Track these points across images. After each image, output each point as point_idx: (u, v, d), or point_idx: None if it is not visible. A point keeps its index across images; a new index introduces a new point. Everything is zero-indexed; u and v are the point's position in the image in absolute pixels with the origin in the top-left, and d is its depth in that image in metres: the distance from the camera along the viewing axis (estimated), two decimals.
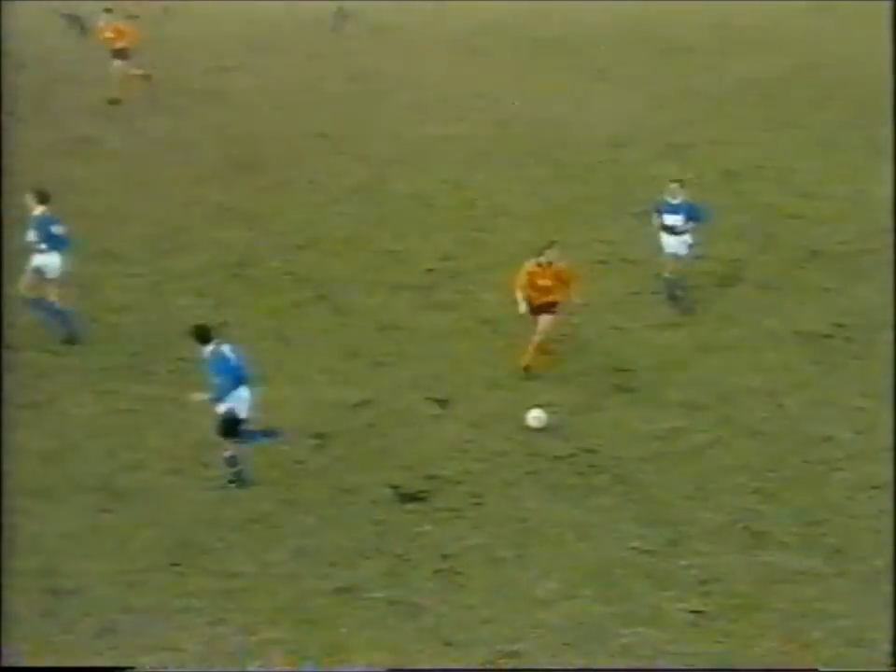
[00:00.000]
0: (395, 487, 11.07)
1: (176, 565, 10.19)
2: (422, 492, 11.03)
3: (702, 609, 9.51)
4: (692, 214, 14.02)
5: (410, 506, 10.85)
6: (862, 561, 10.00)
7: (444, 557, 10.23)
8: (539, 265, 12.83)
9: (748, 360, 13.17)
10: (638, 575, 9.94)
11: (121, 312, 14.60)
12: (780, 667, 8.69)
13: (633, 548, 10.26)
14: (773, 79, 22.12)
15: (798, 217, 16.73)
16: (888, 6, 25.28)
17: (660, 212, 14.17)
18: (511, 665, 8.99)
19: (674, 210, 14.02)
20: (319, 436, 11.97)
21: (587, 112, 20.79)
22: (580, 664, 8.98)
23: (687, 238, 14.08)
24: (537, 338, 12.83)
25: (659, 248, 14.32)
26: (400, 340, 13.83)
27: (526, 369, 12.78)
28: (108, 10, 21.73)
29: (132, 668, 8.71)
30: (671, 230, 14.08)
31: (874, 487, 10.97)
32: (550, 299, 12.78)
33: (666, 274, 14.29)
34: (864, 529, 10.41)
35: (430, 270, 15.52)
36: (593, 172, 18.36)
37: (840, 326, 13.76)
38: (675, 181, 14.27)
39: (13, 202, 17.36)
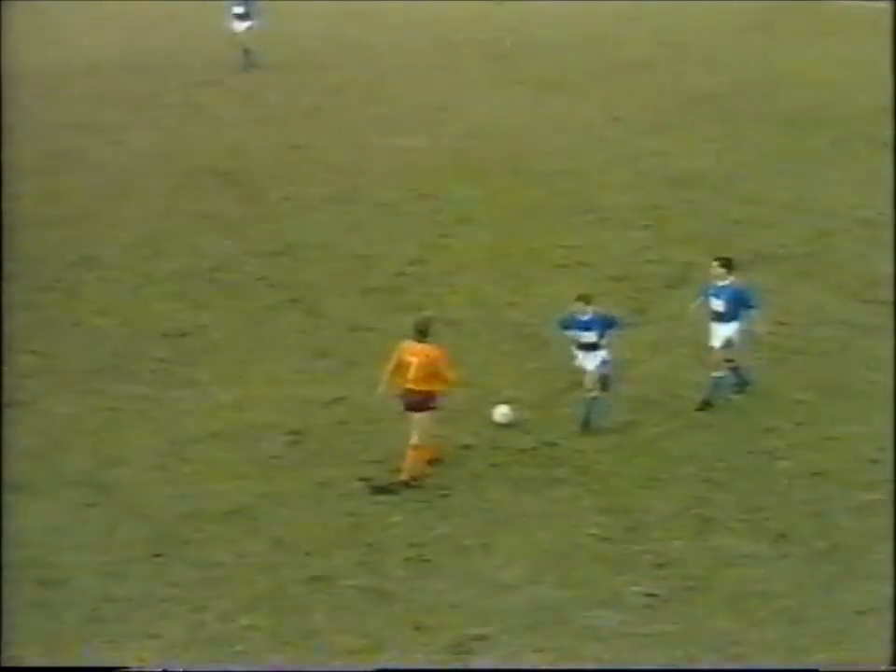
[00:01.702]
0: (366, 480, 11.00)
1: (159, 556, 10.06)
2: (392, 484, 10.96)
3: (656, 591, 9.53)
4: (737, 298, 11.75)
5: (380, 498, 10.78)
6: (804, 544, 10.06)
7: (413, 546, 10.18)
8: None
9: (695, 357, 13.19)
10: (597, 560, 9.94)
11: (104, 314, 14.42)
12: (780, 667, 8.70)
13: (592, 535, 10.25)
14: (717, 94, 22.25)
15: (742, 221, 16.82)
16: (817, 24, 25.52)
17: (707, 296, 11.94)
18: (478, 647, 8.95)
19: (717, 294, 11.86)
20: (294, 432, 11.87)
21: (544, 123, 20.80)
22: (543, 645, 8.96)
23: (733, 325, 11.79)
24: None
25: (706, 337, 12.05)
26: (370, 340, 13.74)
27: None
28: None
29: (127, 668, 8.57)
30: (718, 316, 11.82)
31: (814, 474, 11.04)
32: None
33: (715, 373, 11.89)
34: (806, 514, 10.47)
35: (398, 274, 15.45)
36: (550, 180, 18.37)
37: (782, 324, 13.83)
38: (720, 260, 11.89)
39: (6, 210, 17.13)
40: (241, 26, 22.80)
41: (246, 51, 22.64)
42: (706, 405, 12.02)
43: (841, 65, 22.95)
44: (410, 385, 10.74)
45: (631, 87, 22.74)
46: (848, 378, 12.56)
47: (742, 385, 12.20)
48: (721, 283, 11.93)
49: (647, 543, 10.13)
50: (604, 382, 11.62)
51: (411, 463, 10.81)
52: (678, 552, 10.03)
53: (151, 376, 12.95)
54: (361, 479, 11.01)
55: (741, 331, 11.97)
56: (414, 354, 10.77)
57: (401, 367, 10.81)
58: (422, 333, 10.86)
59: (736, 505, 10.63)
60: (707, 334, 12.06)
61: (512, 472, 11.16)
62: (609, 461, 11.32)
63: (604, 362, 11.64)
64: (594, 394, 11.55)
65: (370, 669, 8.63)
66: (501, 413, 11.76)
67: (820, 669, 8.53)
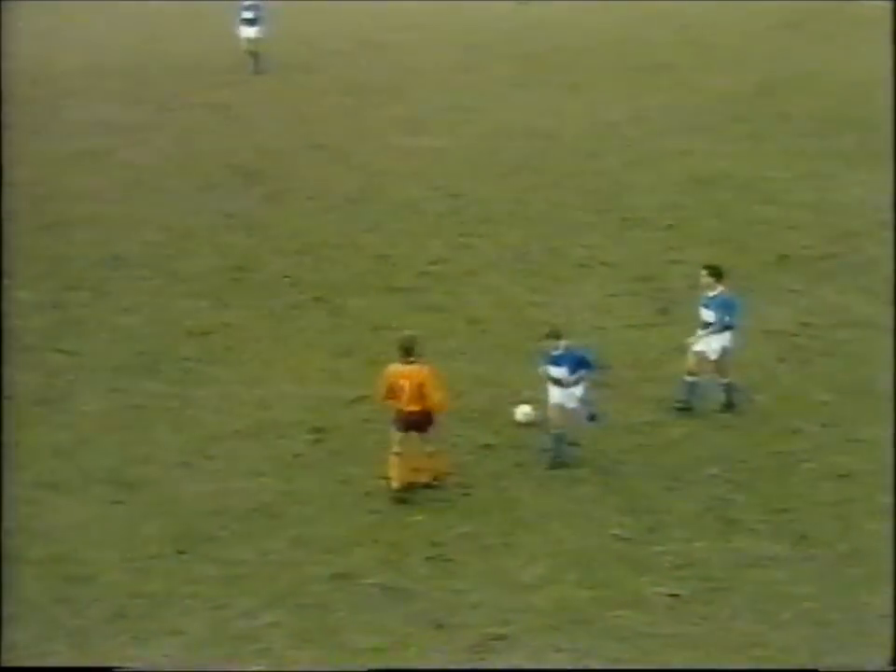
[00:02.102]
0: (388, 479, 11.00)
1: (182, 553, 10.11)
2: (414, 483, 10.96)
3: (678, 592, 9.48)
4: (726, 309, 11.46)
5: (402, 496, 10.78)
6: (827, 546, 9.98)
7: (435, 545, 10.16)
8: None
9: None
10: (619, 561, 9.90)
11: (130, 313, 14.50)
12: (780, 667, 8.65)
13: (614, 535, 10.21)
14: (742, 94, 22.13)
15: (766, 222, 16.72)
16: (847, 25, 25.32)
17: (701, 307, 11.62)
18: (499, 646, 8.94)
19: (707, 304, 11.55)
20: (317, 430, 11.90)
21: (568, 123, 20.76)
22: (564, 645, 8.94)
23: (725, 335, 11.48)
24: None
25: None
26: (393, 339, 13.66)
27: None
28: None
29: (121, 668, 8.59)
30: (707, 325, 11.55)
31: (839, 476, 10.95)
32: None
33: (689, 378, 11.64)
34: (829, 516, 10.39)
35: (421, 273, 15.45)
36: (573, 180, 18.33)
37: (806, 325, 13.74)
38: (708, 269, 11.48)
39: (35, 209, 17.27)
40: (250, 31, 22.84)
41: (254, 54, 22.77)
42: (726, 408, 11.89)
43: (868, 66, 22.77)
44: (410, 408, 10.44)
45: (655, 87, 22.66)
46: (873, 380, 12.45)
47: (702, 400, 11.74)
48: (710, 293, 11.59)
49: (669, 544, 10.08)
50: (572, 420, 10.85)
51: (432, 466, 10.71)
52: (700, 553, 9.97)
53: (176, 374, 13.01)
54: (383, 477, 11.01)
55: (731, 342, 11.60)
56: (405, 376, 10.43)
57: (394, 391, 10.48)
58: (408, 353, 10.50)
59: (759, 506, 10.56)
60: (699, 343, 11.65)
61: (534, 472, 11.13)
62: (632, 461, 11.27)
63: (576, 399, 10.90)
64: (557, 431, 10.92)
65: (363, 670, 8.58)
66: (523, 412, 11.73)
67: (820, 669, 8.46)
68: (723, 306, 11.56)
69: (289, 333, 13.98)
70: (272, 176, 18.63)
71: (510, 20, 27.17)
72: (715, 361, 11.70)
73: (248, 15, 22.89)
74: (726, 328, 11.59)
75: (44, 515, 10.56)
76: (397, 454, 10.64)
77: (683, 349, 12.60)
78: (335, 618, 9.31)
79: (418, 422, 10.52)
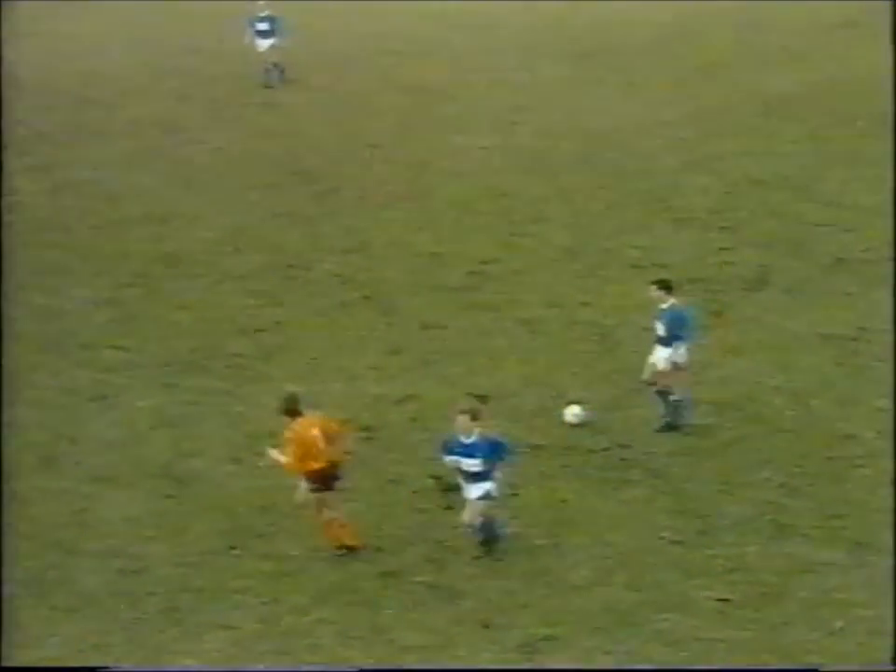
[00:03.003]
0: (437, 478, 11.04)
1: (233, 548, 10.24)
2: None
3: (729, 597, 9.41)
4: (677, 322, 11.20)
5: (451, 496, 10.82)
6: (882, 553, 9.84)
7: (483, 544, 10.18)
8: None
9: (774, 361, 13.00)
10: (668, 564, 9.84)
11: (183, 310, 14.70)
12: (781, 667, 8.56)
13: (663, 538, 10.16)
14: (799, 95, 21.85)
15: (823, 225, 16.50)
16: None
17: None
18: (546, 647, 8.94)
19: (658, 317, 11.31)
20: (366, 428, 11.98)
21: (621, 123, 20.65)
22: (612, 648, 8.91)
23: (674, 350, 11.22)
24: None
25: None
26: (443, 338, 13.80)
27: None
28: None
29: (116, 668, 8.69)
30: (660, 339, 11.31)
31: (894, 483, 10.78)
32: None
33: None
34: (883, 524, 10.24)
35: (471, 272, 15.48)
36: (626, 180, 18.23)
37: (863, 329, 13.54)
38: (657, 283, 11.25)
39: (92, 208, 17.58)
40: (265, 43, 22.38)
41: (276, 66, 22.51)
42: (667, 427, 11.37)
43: None
44: (327, 461, 9.59)
45: (711, 87, 22.44)
46: None
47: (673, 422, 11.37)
48: (662, 305, 11.27)
49: (720, 548, 10.00)
50: (487, 521, 9.61)
51: (338, 534, 9.77)
52: (752, 557, 9.89)
53: (228, 371, 13.17)
54: (432, 476, 11.06)
55: (684, 355, 11.27)
56: (312, 425, 9.59)
57: (309, 446, 9.51)
58: (293, 413, 9.68)
59: (813, 512, 10.44)
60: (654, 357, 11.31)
61: (583, 473, 11.11)
62: (683, 464, 11.19)
63: (489, 496, 9.55)
64: (474, 528, 9.64)
65: (356, 670, 8.58)
66: (573, 413, 11.70)
67: (820, 669, 8.36)
68: (673, 319, 11.24)
69: (340, 331, 14.08)
70: (324, 175, 18.76)
71: (564, 18, 27.10)
72: (664, 372, 11.30)
73: (263, 27, 22.40)
74: (676, 340, 11.22)
75: (99, 509, 10.76)
76: (336, 519, 9.67)
77: (737, 351, 12.51)
78: (384, 615, 9.38)
79: (333, 477, 9.66)
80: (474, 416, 9.24)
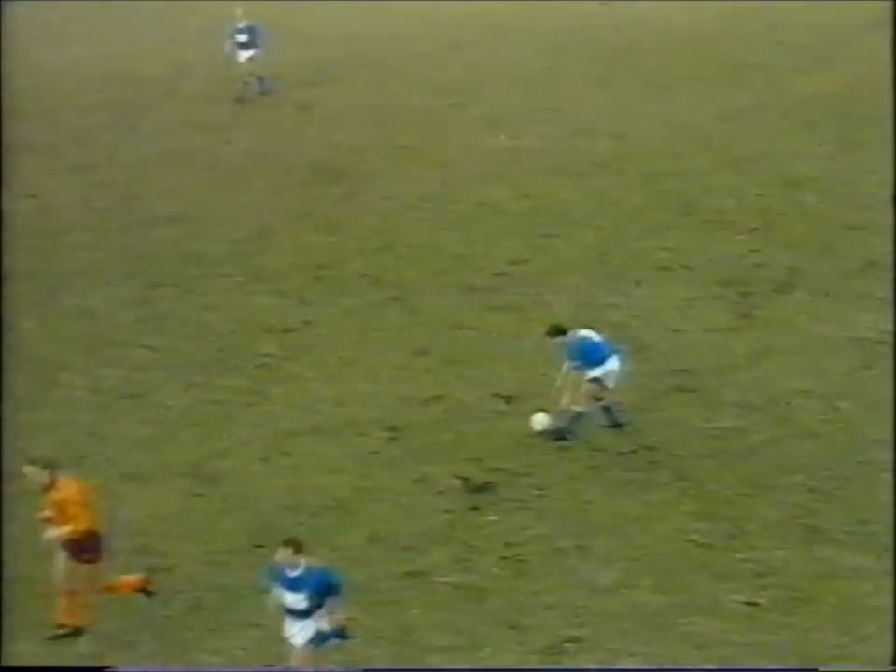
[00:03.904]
0: (463, 478, 11.04)
1: (260, 546, 10.27)
2: (488, 483, 10.99)
3: (758, 601, 9.34)
4: None
5: (477, 496, 10.81)
6: None
7: (509, 546, 10.17)
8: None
9: (803, 364, 12.90)
10: (696, 567, 9.79)
11: (211, 310, 14.78)
12: (780, 667, 8.49)
13: (691, 541, 10.10)
14: (832, 95, 21.67)
15: (853, 227, 16.35)
16: None
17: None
18: (573, 649, 8.91)
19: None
20: (393, 428, 11.99)
21: (652, 124, 20.56)
22: (639, 650, 8.87)
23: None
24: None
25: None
26: (470, 339, 13.80)
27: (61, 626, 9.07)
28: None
29: (114, 668, 8.70)
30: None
31: None
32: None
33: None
34: None
35: (499, 273, 15.47)
36: (655, 181, 18.16)
37: (892, 333, 13.40)
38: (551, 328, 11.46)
39: (123, 207, 17.72)
40: (245, 55, 21.55)
41: (259, 78, 21.96)
42: (553, 434, 11.38)
43: None
44: (90, 526, 8.91)
45: (742, 87, 22.31)
46: None
47: (613, 424, 11.48)
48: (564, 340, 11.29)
49: (749, 551, 9.94)
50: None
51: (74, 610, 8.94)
52: (781, 561, 9.81)
53: (256, 370, 13.23)
54: (458, 477, 11.06)
55: (614, 372, 11.31)
56: (71, 486, 8.87)
57: (88, 505, 8.98)
58: (50, 487, 8.88)
59: (843, 516, 10.35)
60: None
61: (610, 475, 11.07)
62: (711, 467, 11.13)
63: (319, 637, 8.21)
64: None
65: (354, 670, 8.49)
66: (538, 420, 11.57)
67: (820, 669, 8.27)
68: (574, 350, 11.33)
69: (367, 331, 14.11)
70: (352, 175, 18.81)
71: (593, 18, 27.03)
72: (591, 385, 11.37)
73: (242, 38, 21.45)
74: (587, 367, 11.33)
75: (128, 507, 10.82)
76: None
77: (766, 353, 12.43)
78: (409, 616, 9.38)
79: (97, 545, 8.97)
80: (297, 549, 8.20)
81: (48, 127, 21.02)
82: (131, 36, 26.59)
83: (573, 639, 9.02)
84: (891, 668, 8.33)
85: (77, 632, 9.16)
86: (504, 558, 10.00)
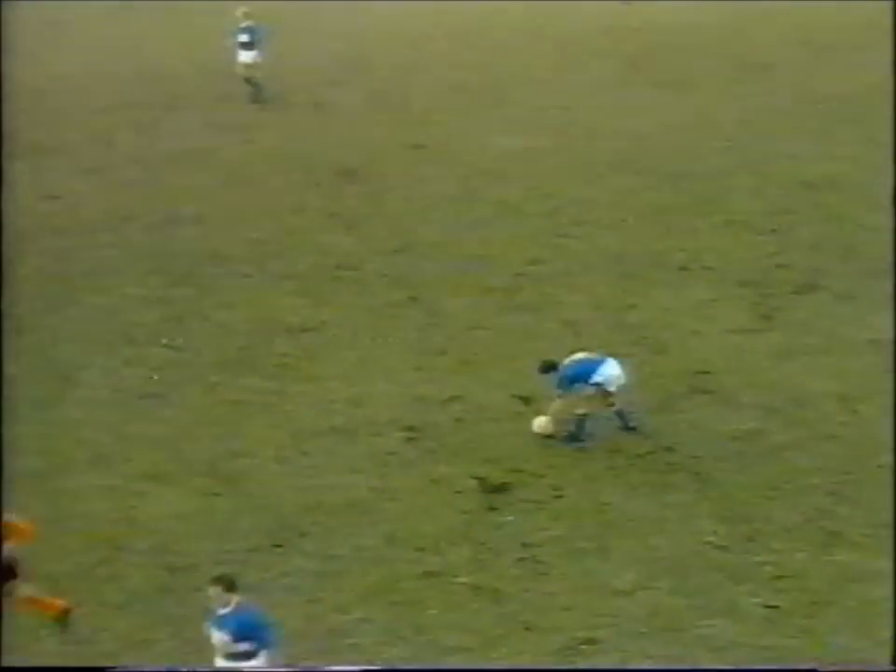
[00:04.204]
0: (480, 479, 11.04)
1: (278, 546, 10.31)
2: (506, 484, 10.99)
3: (776, 603, 9.30)
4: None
5: (494, 497, 10.82)
6: None
7: (526, 546, 10.17)
8: None
9: (823, 366, 12.84)
10: (714, 569, 9.76)
11: (230, 309, 14.84)
12: (780, 667, 8.45)
13: (708, 543, 10.07)
14: (853, 96, 21.54)
15: (875, 229, 16.24)
16: None
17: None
18: (589, 650, 8.90)
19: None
20: (410, 429, 12.01)
21: (670, 124, 20.50)
22: (655, 652, 8.85)
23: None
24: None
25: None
26: (487, 340, 13.80)
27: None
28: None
29: (115, 668, 8.71)
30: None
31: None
32: None
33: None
34: None
35: (517, 274, 15.46)
36: (675, 182, 18.10)
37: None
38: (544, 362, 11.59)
39: (144, 207, 17.82)
40: (247, 56, 21.35)
41: (250, 81, 21.81)
42: (574, 441, 11.43)
43: None
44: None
45: (763, 88, 22.21)
46: None
47: (626, 427, 11.52)
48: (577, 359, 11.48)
49: (767, 554, 9.89)
50: None
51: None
52: (800, 564, 9.77)
53: (274, 370, 13.27)
54: (475, 477, 11.06)
55: (613, 376, 11.36)
56: None
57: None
58: None
59: (863, 519, 10.29)
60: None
61: (628, 476, 11.05)
62: (729, 469, 11.09)
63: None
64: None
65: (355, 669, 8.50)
66: (538, 424, 11.57)
67: (820, 669, 8.22)
68: (567, 377, 11.43)
69: (385, 332, 14.13)
70: (372, 176, 18.84)
71: (613, 19, 26.96)
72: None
73: (244, 38, 21.14)
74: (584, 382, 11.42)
75: (147, 506, 10.89)
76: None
77: (786, 355, 12.37)
78: (426, 616, 9.39)
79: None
80: (229, 587, 7.70)
81: (70, 127, 21.16)
82: (153, 37, 26.74)
83: (589, 641, 9.01)
84: (891, 668, 8.27)
85: (65, 615, 9.18)
86: (521, 559, 10.00)
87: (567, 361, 11.62)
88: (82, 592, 9.72)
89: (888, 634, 8.92)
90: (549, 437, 11.57)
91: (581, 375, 11.48)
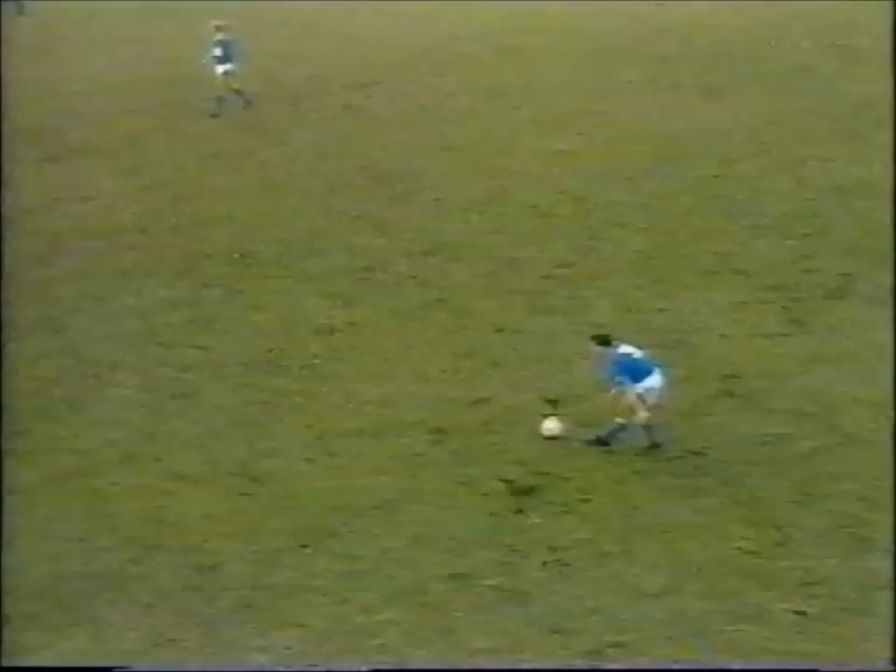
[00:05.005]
0: (508, 481, 11.04)
1: (305, 546, 10.36)
2: (533, 486, 10.99)
3: (805, 609, 9.23)
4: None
5: (521, 499, 10.81)
6: None
7: (553, 549, 10.16)
8: None
9: (854, 371, 12.73)
10: (743, 574, 9.70)
11: (260, 310, 14.92)
12: (780, 667, 8.38)
13: (737, 548, 10.02)
14: (886, 100, 21.34)
15: None
16: None
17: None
18: (615, 654, 8.87)
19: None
20: (438, 430, 12.03)
21: (701, 127, 20.40)
22: (682, 656, 8.81)
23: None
24: None
25: None
26: (516, 342, 13.80)
27: None
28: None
29: (119, 668, 8.74)
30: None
31: None
32: None
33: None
34: None
35: (546, 276, 15.44)
36: (705, 185, 18.01)
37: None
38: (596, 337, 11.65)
39: (174, 208, 17.97)
40: (221, 69, 21.39)
41: (238, 92, 21.69)
42: (601, 444, 11.41)
43: None
44: None
45: (795, 91, 22.06)
46: None
47: (652, 444, 11.40)
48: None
49: (796, 560, 9.83)
50: None
51: None
52: (830, 570, 9.70)
53: (303, 371, 13.34)
54: (502, 479, 11.06)
55: (655, 389, 11.29)
56: None
57: None
58: None
59: (893, 526, 10.18)
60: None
61: (656, 480, 11.01)
62: (759, 474, 11.02)
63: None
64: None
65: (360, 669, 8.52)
66: (547, 427, 11.51)
67: (820, 669, 8.13)
68: (615, 365, 11.38)
69: (413, 333, 14.16)
70: (401, 178, 18.88)
71: (643, 21, 26.88)
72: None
73: (218, 52, 21.31)
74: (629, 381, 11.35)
75: (176, 506, 10.97)
76: None
77: (816, 360, 12.28)
78: (452, 618, 9.40)
79: None
80: None
81: (101, 130, 21.35)
82: (183, 40, 26.93)
83: (616, 645, 8.98)
84: (891, 669, 8.18)
85: None
86: (547, 562, 9.99)
87: (623, 348, 11.44)
88: (112, 591, 9.80)
89: None
90: (552, 438, 11.51)
91: (633, 376, 11.34)
